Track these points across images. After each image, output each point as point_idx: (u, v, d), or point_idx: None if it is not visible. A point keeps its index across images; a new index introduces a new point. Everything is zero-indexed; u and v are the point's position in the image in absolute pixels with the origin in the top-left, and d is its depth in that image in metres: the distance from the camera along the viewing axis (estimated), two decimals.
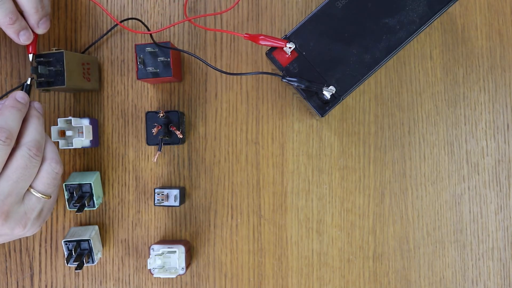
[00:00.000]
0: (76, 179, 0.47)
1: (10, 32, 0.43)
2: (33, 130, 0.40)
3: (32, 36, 0.44)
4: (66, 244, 0.46)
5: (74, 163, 0.50)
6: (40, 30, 0.45)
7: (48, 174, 0.40)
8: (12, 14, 0.42)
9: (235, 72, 0.50)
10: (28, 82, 0.44)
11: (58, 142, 0.46)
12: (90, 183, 0.46)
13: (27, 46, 0.45)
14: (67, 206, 0.46)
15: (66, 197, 0.46)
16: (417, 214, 0.49)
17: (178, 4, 0.50)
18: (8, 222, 0.38)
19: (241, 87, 0.50)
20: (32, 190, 0.40)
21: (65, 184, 0.46)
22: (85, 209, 0.46)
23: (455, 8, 0.49)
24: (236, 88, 0.50)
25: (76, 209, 0.45)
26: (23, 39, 0.44)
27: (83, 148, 0.50)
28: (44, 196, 0.40)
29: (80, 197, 0.46)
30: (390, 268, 0.49)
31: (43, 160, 0.40)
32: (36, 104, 0.42)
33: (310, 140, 0.49)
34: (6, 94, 0.48)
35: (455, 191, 0.49)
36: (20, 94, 0.41)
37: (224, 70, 0.48)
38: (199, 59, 0.44)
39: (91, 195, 0.46)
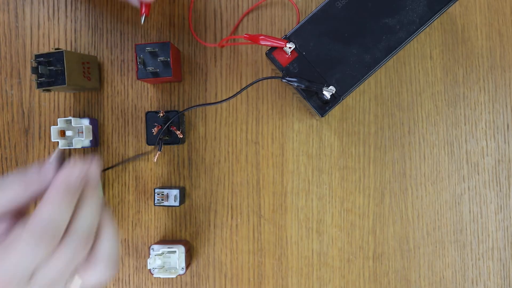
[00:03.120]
0: None
1: None
2: (84, 220, 0.30)
3: None
4: None
5: None
6: None
7: (98, 279, 0.31)
8: None
9: (234, 73, 0.50)
10: (60, 146, 0.34)
11: (58, 142, 0.46)
12: None
13: (143, 6, 0.43)
14: None
15: None
16: (417, 214, 0.49)
17: (178, 4, 0.50)
18: None
19: (241, 87, 0.49)
20: (76, 279, 0.31)
21: None
22: None
23: (455, 8, 0.49)
24: (236, 88, 0.50)
25: None
26: None
27: (83, 148, 0.50)
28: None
29: None
30: (390, 268, 0.49)
31: (96, 260, 0.31)
32: (93, 170, 0.32)
33: (310, 140, 0.49)
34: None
35: (455, 191, 0.49)
36: (76, 172, 0.30)
37: (224, 99, 0.48)
38: (197, 107, 0.44)
39: None
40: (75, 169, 0.31)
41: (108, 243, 0.31)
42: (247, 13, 0.49)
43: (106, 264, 0.31)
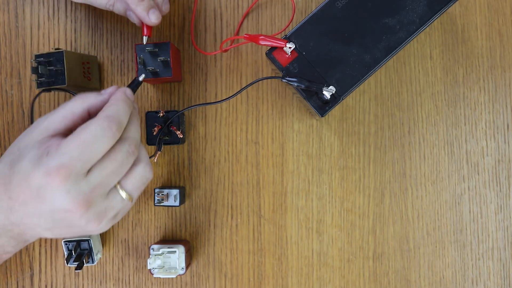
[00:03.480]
0: None
1: (140, 9, 0.41)
2: (134, 128, 0.37)
3: (160, 16, 0.43)
4: (66, 244, 0.46)
5: None
6: (164, 8, 0.44)
7: (140, 178, 0.37)
8: None
9: (234, 73, 0.50)
10: (141, 79, 0.41)
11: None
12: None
13: (145, 27, 0.43)
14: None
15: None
16: (417, 214, 0.49)
17: (178, 4, 0.50)
18: (87, 213, 0.34)
19: (241, 87, 0.49)
20: (119, 187, 0.36)
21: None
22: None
23: (455, 8, 0.49)
24: (236, 88, 0.50)
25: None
26: (153, 17, 0.42)
27: None
28: (129, 198, 0.37)
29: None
30: (390, 268, 0.49)
31: (138, 161, 0.37)
32: (135, 104, 0.40)
33: (310, 140, 0.49)
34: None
35: (455, 191, 0.49)
36: (129, 92, 0.38)
37: (223, 98, 0.48)
38: (196, 106, 0.44)
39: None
40: (126, 90, 0.39)
41: (143, 149, 0.38)
42: (246, 15, 0.49)
43: (146, 163, 0.37)
